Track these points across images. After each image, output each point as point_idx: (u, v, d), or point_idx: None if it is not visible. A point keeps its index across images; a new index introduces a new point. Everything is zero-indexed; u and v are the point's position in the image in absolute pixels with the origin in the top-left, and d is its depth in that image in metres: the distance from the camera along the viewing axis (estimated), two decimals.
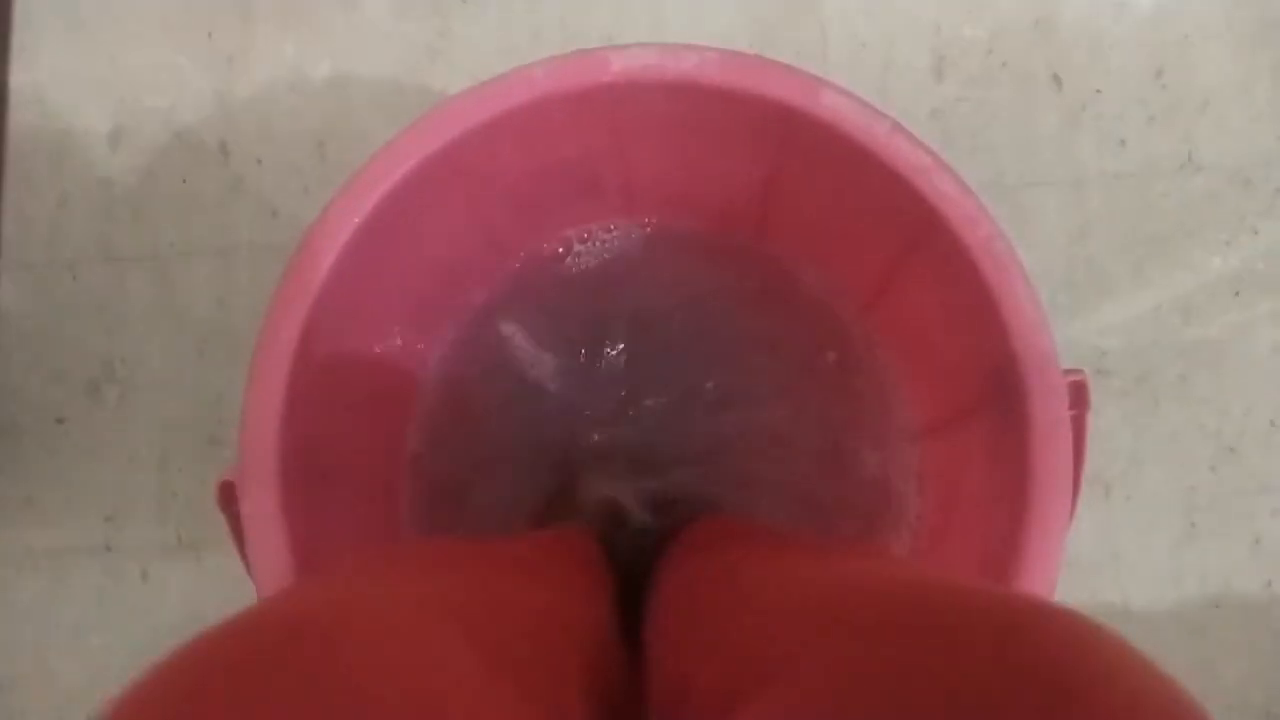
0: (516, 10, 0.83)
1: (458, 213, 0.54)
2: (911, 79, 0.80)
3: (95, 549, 0.77)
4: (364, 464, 0.56)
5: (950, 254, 0.47)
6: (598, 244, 0.62)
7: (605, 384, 0.61)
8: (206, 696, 0.22)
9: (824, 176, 0.51)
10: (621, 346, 0.62)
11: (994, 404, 0.48)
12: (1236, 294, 0.77)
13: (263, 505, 0.44)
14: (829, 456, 0.61)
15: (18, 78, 0.83)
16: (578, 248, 0.63)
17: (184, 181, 0.81)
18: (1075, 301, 0.77)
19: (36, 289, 0.80)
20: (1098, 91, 0.80)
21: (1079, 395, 0.45)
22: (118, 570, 0.77)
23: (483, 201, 0.55)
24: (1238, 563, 0.74)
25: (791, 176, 0.53)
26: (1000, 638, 0.22)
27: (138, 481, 0.78)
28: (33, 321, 0.80)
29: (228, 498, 0.45)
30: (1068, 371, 0.45)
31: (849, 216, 0.53)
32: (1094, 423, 0.46)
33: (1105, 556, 0.74)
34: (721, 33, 0.82)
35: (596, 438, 0.60)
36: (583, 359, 0.62)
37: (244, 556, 0.46)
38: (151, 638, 0.76)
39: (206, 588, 0.77)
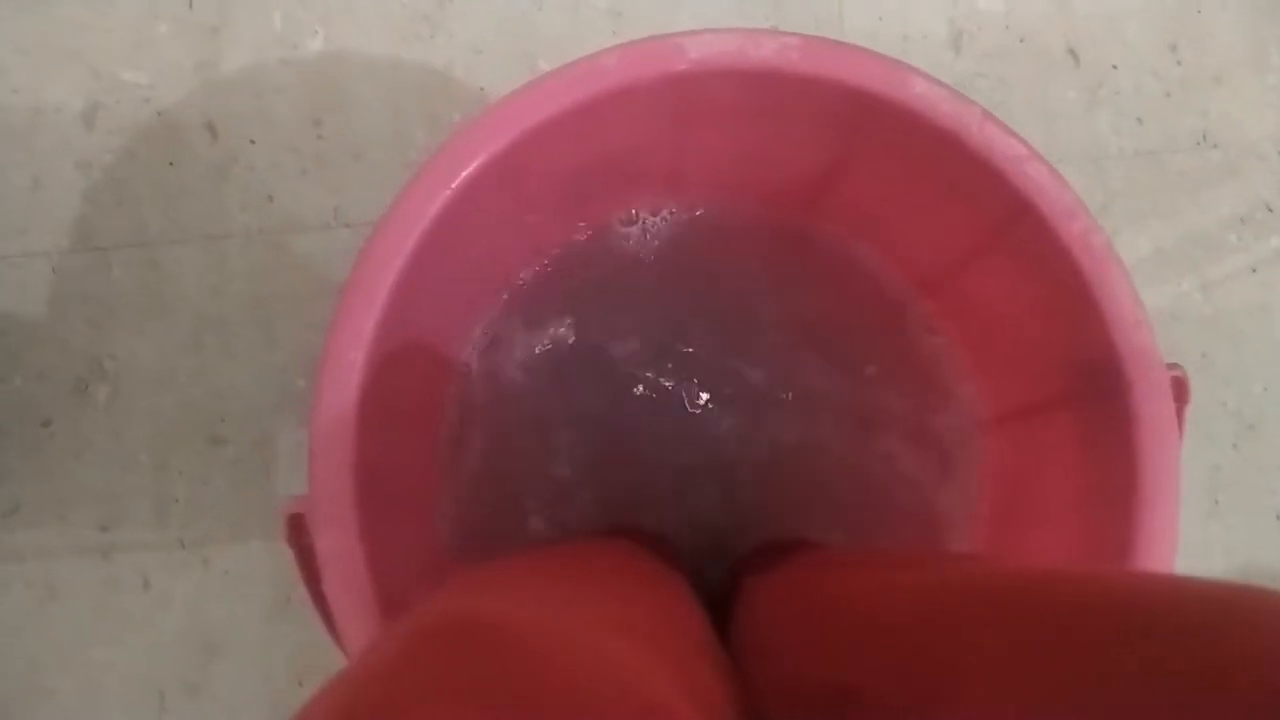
0: None
1: (506, 209, 0.51)
2: (929, 53, 0.79)
3: (91, 557, 0.73)
4: (416, 485, 0.53)
5: (1041, 245, 0.45)
6: (639, 232, 0.59)
7: (652, 387, 0.59)
8: (403, 701, 0.21)
9: (899, 164, 0.49)
10: (665, 346, 0.59)
11: (1085, 399, 0.47)
12: (1254, 271, 0.78)
13: (342, 540, 0.41)
14: (879, 451, 0.59)
15: None
16: (619, 237, 0.60)
17: (170, 164, 0.75)
18: None
19: (13, 282, 0.74)
20: (1114, 67, 0.79)
21: (1180, 390, 0.44)
22: (116, 579, 0.73)
23: (530, 196, 0.52)
24: (1261, 539, 0.75)
25: (861, 163, 0.51)
26: (1221, 627, 0.21)
27: (134, 486, 0.73)
28: (11, 317, 0.74)
29: (297, 531, 0.42)
30: (1169, 366, 0.44)
31: (921, 205, 0.51)
32: None
33: None
34: (735, 3, 0.79)
35: (646, 446, 0.58)
36: (628, 360, 0.59)
37: (314, 591, 0.43)
38: (157, 649, 0.72)
39: (215, 593, 0.73)
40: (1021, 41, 0.79)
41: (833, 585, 0.41)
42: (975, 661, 0.25)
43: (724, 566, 0.57)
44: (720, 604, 0.52)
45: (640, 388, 0.58)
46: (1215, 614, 0.22)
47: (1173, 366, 0.44)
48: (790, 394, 0.59)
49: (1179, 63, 0.79)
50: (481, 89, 0.77)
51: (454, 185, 0.43)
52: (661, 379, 0.59)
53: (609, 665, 0.26)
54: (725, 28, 0.45)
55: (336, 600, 0.41)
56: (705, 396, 0.58)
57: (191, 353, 0.74)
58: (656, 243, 0.59)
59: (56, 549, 0.73)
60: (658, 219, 0.60)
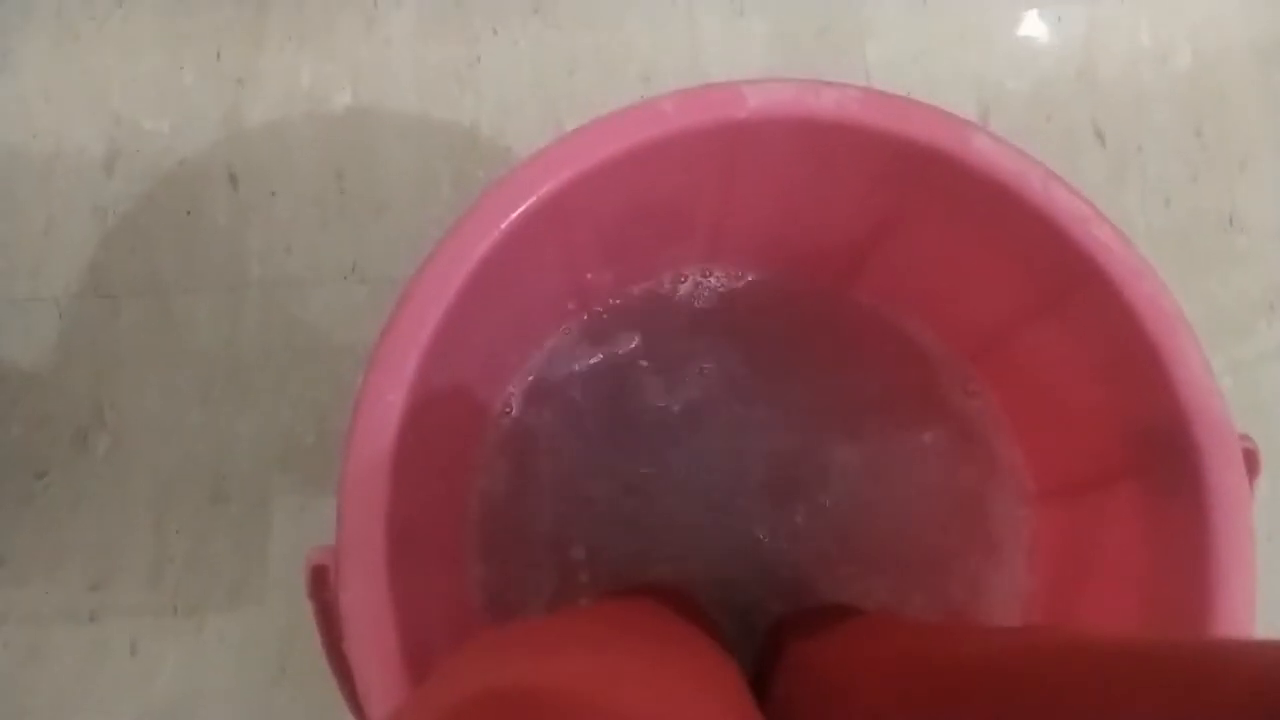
0: (549, 41, 0.79)
1: (553, 255, 0.49)
2: None
3: (78, 618, 0.69)
4: (447, 538, 0.50)
5: (1104, 307, 0.44)
6: (687, 291, 0.58)
7: (690, 446, 0.57)
8: None
9: (955, 223, 0.48)
10: (705, 405, 0.57)
11: (1151, 469, 0.45)
12: None
13: (370, 594, 0.38)
14: (925, 526, 0.57)
15: (0, 89, 0.75)
16: (664, 295, 0.59)
17: (188, 213, 0.74)
18: None
19: (18, 325, 0.72)
20: (1139, 149, 0.79)
21: (1251, 462, 0.42)
22: (103, 642, 0.69)
23: (577, 243, 0.50)
24: None
25: (913, 220, 0.50)
26: None
27: (129, 543, 0.70)
28: (13, 362, 0.71)
29: (320, 584, 0.39)
30: (1240, 437, 0.42)
31: (976, 265, 0.50)
32: None
33: None
34: (759, 71, 0.79)
35: (682, 504, 0.56)
36: (668, 417, 0.57)
37: (333, 650, 0.40)
38: (141, 717, 0.68)
39: (207, 661, 0.69)
40: (1048, 120, 0.79)
41: (914, 643, 0.38)
42: None
43: (759, 630, 0.54)
44: (756, 668, 0.49)
45: (679, 446, 0.56)
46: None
47: (1244, 438, 0.43)
48: (828, 461, 0.57)
49: (1204, 147, 0.79)
50: (509, 148, 0.76)
51: (505, 225, 0.42)
52: (700, 438, 0.56)
53: None
54: (785, 78, 0.45)
55: (360, 659, 0.38)
56: (743, 459, 0.56)
57: (197, 406, 0.72)
58: (701, 304, 0.58)
59: (42, 608, 0.69)
60: (708, 280, 0.58)
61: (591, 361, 0.57)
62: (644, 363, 0.57)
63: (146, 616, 0.69)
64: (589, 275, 0.54)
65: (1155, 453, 0.44)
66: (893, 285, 0.57)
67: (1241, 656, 0.25)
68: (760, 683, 0.50)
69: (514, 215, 0.42)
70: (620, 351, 0.57)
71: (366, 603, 0.38)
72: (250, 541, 0.70)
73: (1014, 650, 0.34)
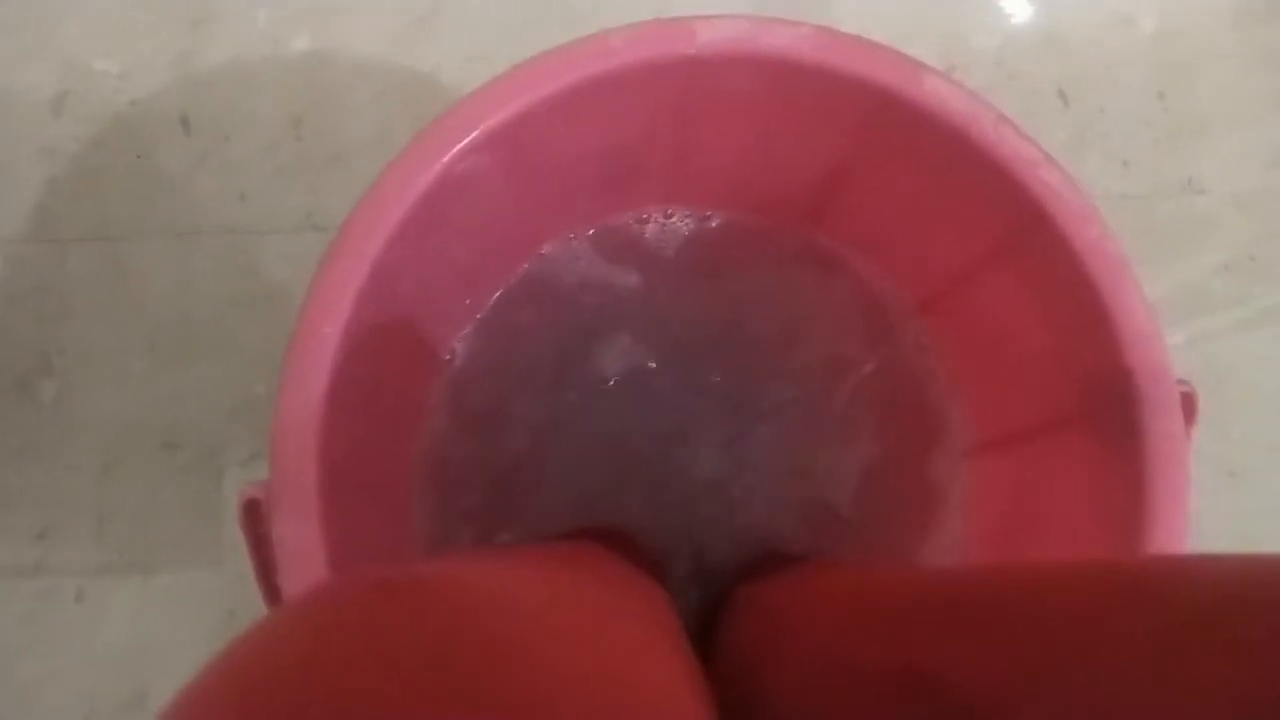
0: None
1: (497, 195, 0.49)
2: None
3: (23, 569, 0.68)
4: (381, 478, 0.50)
5: (1053, 253, 0.44)
6: (638, 233, 0.57)
7: (633, 392, 0.56)
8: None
9: (909, 165, 0.48)
10: (651, 351, 0.57)
11: (1093, 416, 0.45)
12: (1237, 319, 0.77)
13: (301, 528, 0.37)
14: (867, 473, 0.57)
15: None
16: (603, 239, 0.58)
17: (139, 156, 0.72)
18: None
19: None
20: (1102, 110, 0.79)
21: (1188, 408, 0.42)
22: (49, 592, 0.68)
23: (524, 183, 0.49)
24: None
25: (869, 164, 0.50)
26: None
27: (75, 492, 0.69)
28: None
29: (253, 518, 0.39)
30: (1177, 382, 0.43)
31: (929, 209, 0.50)
32: None
33: None
34: None
35: (631, 450, 0.55)
36: (613, 363, 0.57)
37: (266, 584, 0.39)
38: (88, 666, 0.67)
39: (154, 611, 0.68)
40: (1012, 79, 0.79)
41: (870, 577, 0.38)
42: (1094, 648, 0.23)
43: (710, 578, 0.54)
44: (707, 615, 0.49)
45: (632, 390, 0.55)
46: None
47: (1182, 382, 0.43)
48: (778, 410, 0.57)
49: (1166, 110, 0.80)
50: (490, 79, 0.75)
51: (448, 156, 0.41)
52: (653, 382, 0.56)
53: (608, 646, 0.23)
54: (739, 14, 0.44)
55: (291, 589, 0.37)
56: (695, 403, 0.56)
57: (146, 354, 0.70)
58: (659, 246, 0.57)
59: None
60: (668, 222, 0.58)
61: (542, 306, 0.56)
62: (596, 307, 0.56)
63: (93, 565, 0.68)
64: (541, 217, 0.54)
65: (1097, 399, 0.44)
66: (852, 229, 0.56)
67: (1177, 571, 0.25)
68: (713, 629, 0.50)
69: (455, 149, 0.41)
70: (573, 296, 0.56)
71: (298, 535, 0.38)
72: (200, 490, 0.69)
73: (951, 579, 0.34)
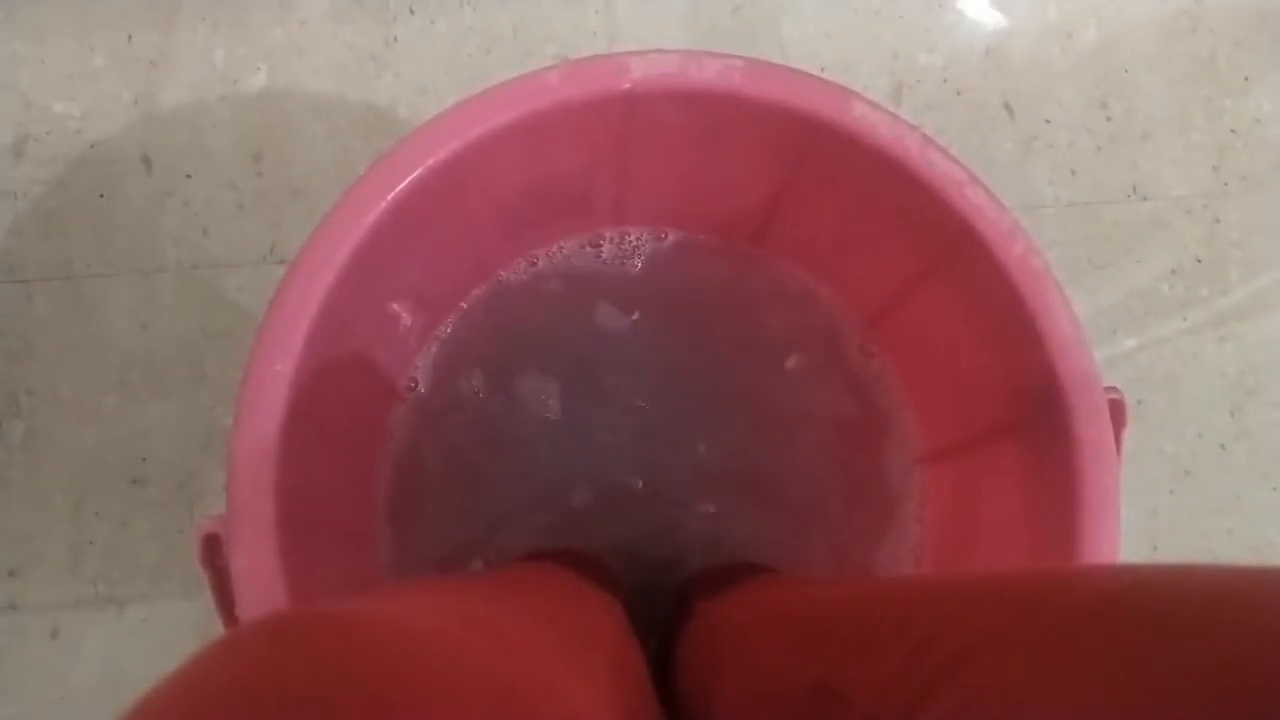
0: (466, 20, 0.79)
1: (446, 230, 0.50)
2: None
3: None
4: (343, 509, 0.51)
5: (982, 270, 0.45)
6: (583, 258, 0.59)
7: (590, 412, 0.58)
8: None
9: (842, 189, 0.50)
10: (606, 372, 0.58)
11: (1028, 424, 0.46)
12: (1185, 320, 0.79)
13: (259, 561, 0.38)
14: (824, 482, 0.59)
15: None
16: (556, 263, 0.59)
17: (101, 196, 0.73)
18: None
19: None
20: (1047, 121, 0.81)
21: (1118, 414, 0.44)
22: (22, 629, 0.69)
23: (472, 214, 0.51)
24: None
25: (804, 189, 0.51)
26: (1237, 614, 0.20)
27: (47, 529, 0.69)
28: None
29: (211, 552, 0.40)
30: (1106, 389, 0.44)
31: (864, 231, 0.51)
32: None
33: None
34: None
35: (585, 472, 0.57)
36: (566, 387, 0.58)
37: (226, 618, 0.40)
38: (64, 704, 0.68)
39: (129, 645, 0.69)
40: (959, 95, 0.81)
41: (795, 593, 0.40)
42: (972, 658, 0.24)
43: (671, 592, 0.55)
44: (670, 625, 0.50)
45: (590, 410, 0.57)
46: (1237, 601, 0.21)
47: (1110, 390, 0.44)
48: (732, 421, 0.58)
49: (1109, 119, 0.82)
50: (429, 120, 0.76)
51: (391, 195, 0.42)
52: (611, 402, 0.57)
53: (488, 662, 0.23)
54: (671, 49, 0.45)
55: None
56: (654, 421, 0.57)
57: (115, 390, 0.71)
58: (607, 270, 0.59)
59: None
60: (613, 247, 0.59)
61: (500, 330, 0.57)
62: (553, 329, 0.58)
63: (67, 602, 0.69)
64: (490, 246, 0.55)
65: (1030, 409, 0.45)
66: (796, 248, 0.58)
67: (1081, 581, 0.26)
68: (672, 646, 0.51)
69: (400, 186, 0.43)
70: (530, 319, 0.58)
71: (256, 570, 0.39)
72: (171, 524, 0.70)
73: (881, 592, 0.35)
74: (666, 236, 0.59)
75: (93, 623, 0.69)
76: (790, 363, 0.59)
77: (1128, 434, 0.45)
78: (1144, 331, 0.79)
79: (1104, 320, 0.79)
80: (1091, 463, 0.42)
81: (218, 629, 0.68)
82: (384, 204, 0.43)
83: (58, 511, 0.70)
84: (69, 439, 0.70)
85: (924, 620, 0.28)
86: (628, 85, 0.45)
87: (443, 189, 0.45)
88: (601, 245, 0.59)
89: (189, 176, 0.74)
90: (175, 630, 0.69)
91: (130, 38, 0.76)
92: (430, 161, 0.43)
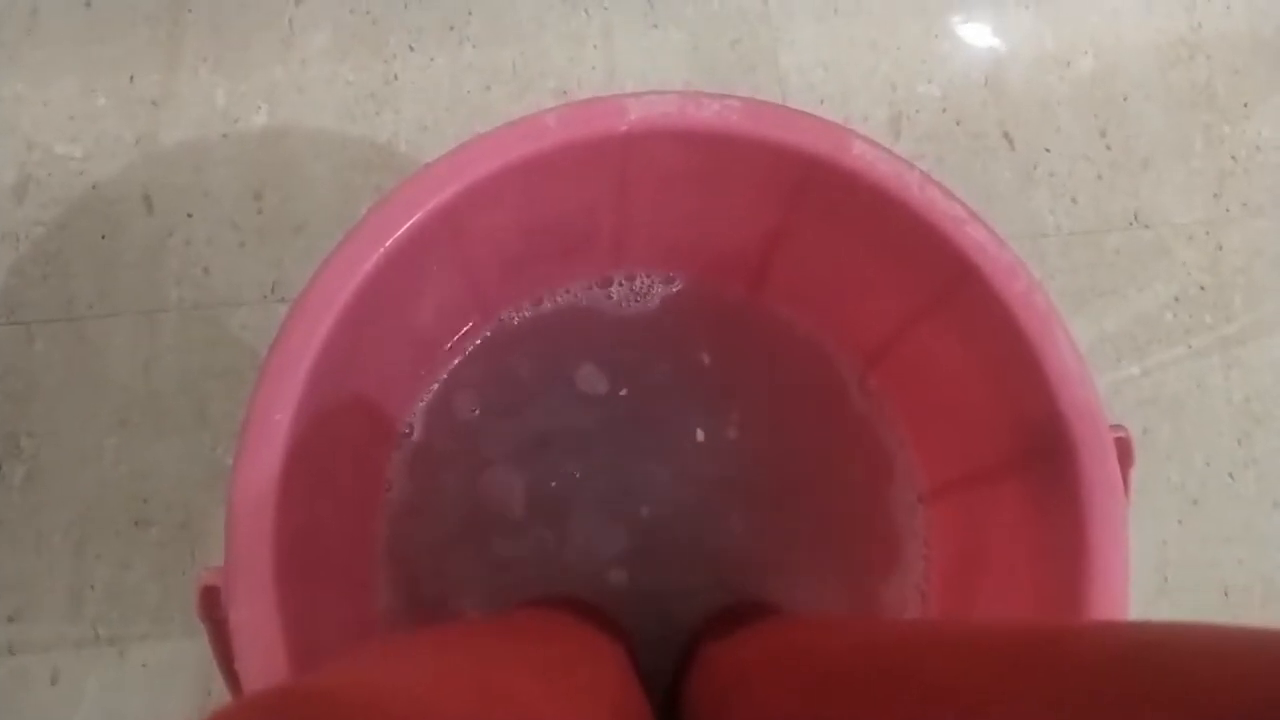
0: (466, 57, 0.79)
1: (445, 273, 0.50)
2: (870, 134, 0.80)
3: None
4: (342, 556, 0.50)
5: (984, 307, 0.45)
6: (582, 300, 0.59)
7: (592, 454, 0.57)
8: None
9: (842, 227, 0.50)
10: (609, 415, 0.58)
11: (1032, 462, 0.46)
12: (1189, 347, 0.79)
13: (257, 614, 0.38)
14: (827, 520, 0.58)
15: None
16: (560, 305, 0.59)
17: (103, 237, 0.73)
18: None
19: None
20: (1047, 150, 0.81)
21: (1124, 451, 0.44)
22: (22, 673, 0.68)
23: (471, 260, 0.51)
24: (1210, 615, 0.74)
25: (803, 226, 0.51)
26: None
27: (47, 572, 0.69)
28: None
29: (210, 604, 0.39)
30: (1112, 428, 0.44)
31: (865, 268, 0.51)
32: None
33: None
34: (676, 83, 0.80)
35: (583, 520, 0.56)
36: (568, 428, 0.58)
37: (227, 671, 0.40)
38: None
39: (130, 689, 0.68)
40: (958, 124, 0.81)
41: (802, 637, 0.39)
42: (980, 713, 0.24)
43: (679, 637, 0.55)
44: (679, 672, 0.50)
45: (587, 457, 0.56)
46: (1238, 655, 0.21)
47: (1116, 428, 0.44)
48: (737, 462, 0.58)
49: (1109, 147, 0.82)
50: (426, 164, 0.77)
51: (391, 240, 0.42)
52: (607, 448, 0.57)
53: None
54: (668, 90, 0.46)
55: (248, 679, 0.38)
56: (656, 462, 0.57)
57: (116, 430, 0.71)
58: (608, 314, 0.59)
59: None
60: (615, 289, 0.59)
61: (496, 379, 0.57)
62: (549, 375, 0.58)
63: (68, 645, 0.69)
64: (490, 292, 0.55)
65: (1035, 447, 0.45)
66: (796, 287, 0.58)
67: (1089, 638, 0.26)
68: (679, 689, 0.51)
69: (399, 232, 0.43)
70: (525, 364, 0.57)
71: (255, 624, 0.39)
72: (173, 565, 0.70)
73: (889, 641, 0.35)
74: (675, 281, 0.59)
75: (93, 667, 0.68)
76: (791, 399, 0.59)
77: (1135, 470, 0.45)
78: (1149, 359, 0.79)
79: (1108, 348, 0.78)
80: (1098, 503, 0.42)
81: (218, 676, 0.68)
82: (382, 249, 0.43)
83: (58, 554, 0.69)
84: (70, 481, 0.70)
85: (933, 672, 0.28)
86: (625, 126, 0.45)
87: (442, 233, 0.45)
88: (608, 287, 0.59)
89: (190, 215, 0.74)
90: (177, 674, 0.68)
91: (132, 78, 0.76)
92: (429, 205, 0.43)
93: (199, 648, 0.69)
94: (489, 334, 0.58)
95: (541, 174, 0.46)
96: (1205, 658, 0.21)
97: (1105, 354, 0.78)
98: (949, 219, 0.45)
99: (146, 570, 0.70)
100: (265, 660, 0.38)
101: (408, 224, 0.43)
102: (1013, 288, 0.44)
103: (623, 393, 0.58)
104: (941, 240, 0.45)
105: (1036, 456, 0.45)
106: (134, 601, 0.69)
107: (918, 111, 0.81)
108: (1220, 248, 0.81)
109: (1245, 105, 0.83)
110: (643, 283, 0.59)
